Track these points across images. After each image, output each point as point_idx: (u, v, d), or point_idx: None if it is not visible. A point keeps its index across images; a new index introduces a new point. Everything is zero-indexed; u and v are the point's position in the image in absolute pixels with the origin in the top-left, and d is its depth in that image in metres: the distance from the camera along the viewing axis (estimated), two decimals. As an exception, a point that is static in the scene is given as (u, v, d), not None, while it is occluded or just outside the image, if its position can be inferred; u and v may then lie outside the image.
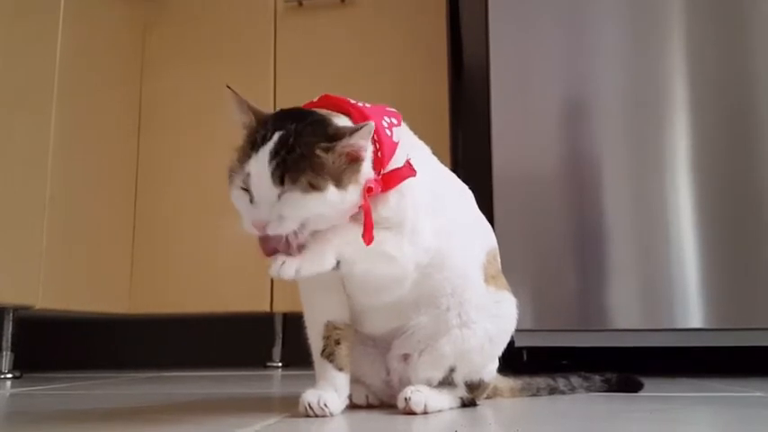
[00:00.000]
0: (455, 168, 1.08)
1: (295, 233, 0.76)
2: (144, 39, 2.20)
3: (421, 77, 2.00)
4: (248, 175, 0.75)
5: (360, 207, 0.79)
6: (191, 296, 2.02)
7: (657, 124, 1.53)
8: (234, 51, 2.13)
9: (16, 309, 1.71)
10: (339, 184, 0.76)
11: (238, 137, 0.82)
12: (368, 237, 0.78)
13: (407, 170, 0.83)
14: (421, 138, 0.93)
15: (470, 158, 2.17)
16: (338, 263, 0.80)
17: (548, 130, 1.58)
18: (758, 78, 1.51)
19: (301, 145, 0.75)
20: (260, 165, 0.75)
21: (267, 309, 1.99)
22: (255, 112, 0.81)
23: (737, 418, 0.87)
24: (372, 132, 0.78)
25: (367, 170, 0.79)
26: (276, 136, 0.76)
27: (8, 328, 1.70)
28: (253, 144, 0.77)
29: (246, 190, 0.76)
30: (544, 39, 1.61)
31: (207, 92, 2.13)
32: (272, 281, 1.99)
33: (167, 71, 2.17)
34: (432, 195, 0.88)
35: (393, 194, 0.82)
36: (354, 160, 0.78)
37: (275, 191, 0.74)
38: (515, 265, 1.50)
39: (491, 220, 1.10)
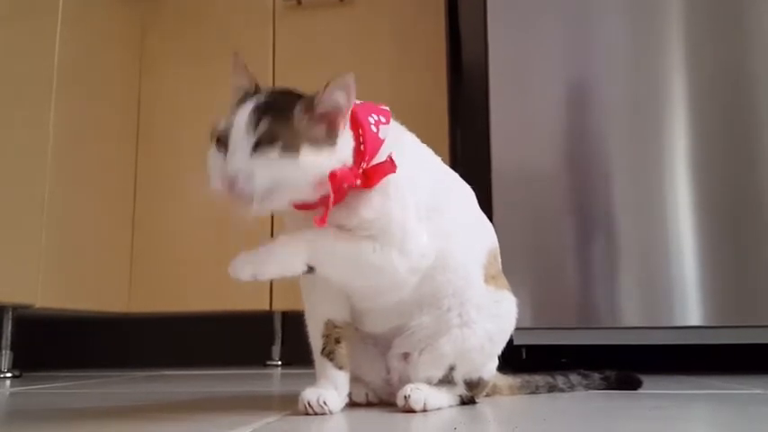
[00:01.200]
0: (454, 167, 1.07)
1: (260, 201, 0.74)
2: (142, 39, 2.20)
3: (420, 76, 2.00)
4: (230, 126, 0.76)
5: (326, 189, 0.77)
6: (190, 294, 2.02)
7: (657, 123, 1.53)
8: (232, 50, 2.13)
9: (15, 307, 1.71)
10: (313, 147, 0.76)
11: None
12: (321, 220, 0.77)
13: (389, 165, 0.80)
14: (420, 136, 0.93)
15: (469, 157, 2.17)
16: (311, 269, 0.79)
17: (547, 129, 1.58)
18: (759, 77, 1.51)
19: (282, 103, 0.78)
20: (241, 117, 0.76)
21: (266, 307, 2.00)
22: (255, 81, 0.83)
23: (736, 415, 0.87)
24: (349, 85, 0.77)
25: (344, 148, 0.78)
26: (263, 96, 0.79)
27: (7, 327, 1.70)
28: (239, 102, 0.79)
29: (223, 146, 0.76)
30: (543, 37, 1.61)
31: (206, 91, 2.13)
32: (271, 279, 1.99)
33: (166, 71, 2.17)
34: (432, 195, 0.87)
35: (376, 195, 0.80)
36: (332, 127, 0.78)
37: (250, 142, 0.74)
38: (514, 263, 1.49)
39: (490, 218, 1.10)
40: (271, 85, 2.14)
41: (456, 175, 0.97)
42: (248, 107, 0.77)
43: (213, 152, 0.77)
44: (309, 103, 0.78)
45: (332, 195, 0.77)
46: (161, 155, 2.13)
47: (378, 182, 0.80)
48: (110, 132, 2.03)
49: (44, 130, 1.73)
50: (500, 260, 0.98)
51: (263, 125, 0.75)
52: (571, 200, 1.55)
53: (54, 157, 1.74)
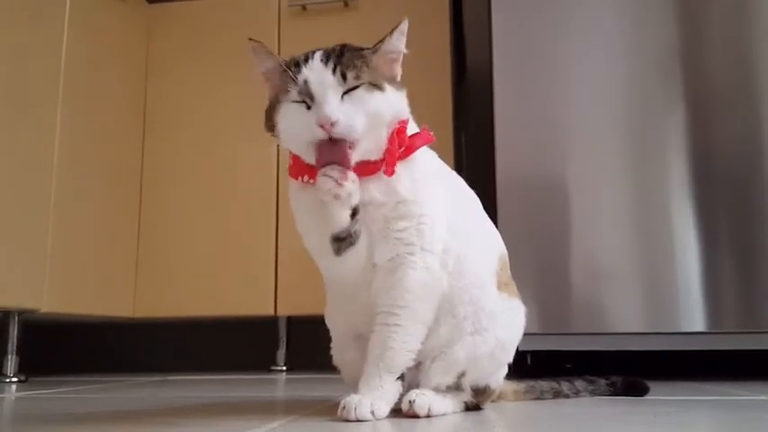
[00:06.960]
0: (458, 172, 1.07)
1: (351, 147, 0.77)
2: (148, 44, 2.21)
3: (424, 81, 2.00)
4: (305, 82, 0.77)
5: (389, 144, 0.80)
6: (195, 300, 2.03)
7: (661, 126, 1.53)
8: (237, 55, 2.13)
9: (21, 312, 1.71)
10: (392, 85, 0.82)
11: (260, 94, 0.85)
12: (389, 169, 0.80)
13: (426, 135, 0.85)
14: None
15: (473, 162, 2.17)
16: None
17: (551, 134, 1.58)
18: (761, 79, 1.51)
19: (348, 50, 0.80)
20: (316, 69, 0.77)
21: (271, 312, 2.00)
22: (280, 58, 0.83)
23: (742, 421, 0.86)
24: (405, 31, 0.83)
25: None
26: (318, 52, 0.80)
27: (13, 332, 1.71)
28: (296, 64, 0.79)
29: (301, 101, 0.78)
30: (547, 42, 1.61)
31: (211, 96, 2.14)
32: (275, 284, 1.99)
33: (171, 76, 2.18)
34: (450, 193, 0.88)
35: (405, 175, 0.82)
36: (393, 69, 0.84)
37: (340, 88, 0.77)
38: (519, 268, 1.48)
39: (494, 224, 1.10)
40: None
41: (463, 182, 0.97)
42: (316, 59, 0.78)
43: (290, 109, 0.79)
44: (377, 47, 0.82)
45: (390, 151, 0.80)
46: (167, 159, 2.13)
47: (417, 149, 0.83)
48: (116, 137, 2.04)
49: (51, 135, 1.74)
50: (509, 267, 0.98)
51: (341, 66, 0.77)
52: (575, 204, 1.54)
53: (60, 162, 1.75)
